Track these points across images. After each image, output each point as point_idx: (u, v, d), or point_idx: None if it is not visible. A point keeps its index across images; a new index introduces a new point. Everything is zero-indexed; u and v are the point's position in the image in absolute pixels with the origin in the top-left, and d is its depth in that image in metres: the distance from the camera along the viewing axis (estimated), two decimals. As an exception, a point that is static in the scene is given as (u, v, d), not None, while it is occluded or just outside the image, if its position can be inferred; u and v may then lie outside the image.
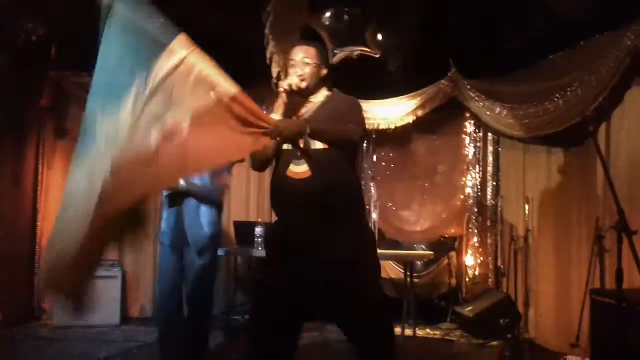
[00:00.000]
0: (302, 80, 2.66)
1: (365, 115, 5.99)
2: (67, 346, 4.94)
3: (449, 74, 5.57)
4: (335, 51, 5.04)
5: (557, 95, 4.61)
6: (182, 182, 3.57)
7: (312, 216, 2.54)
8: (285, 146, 2.58)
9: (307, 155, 2.54)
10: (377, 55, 4.98)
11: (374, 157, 6.65)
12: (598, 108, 4.34)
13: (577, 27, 4.42)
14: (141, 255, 6.30)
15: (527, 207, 5.33)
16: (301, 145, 2.53)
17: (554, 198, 5.10)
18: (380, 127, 6.04)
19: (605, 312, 3.79)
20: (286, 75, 2.79)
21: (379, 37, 4.93)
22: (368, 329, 2.59)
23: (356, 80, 5.83)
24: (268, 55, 4.97)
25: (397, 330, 5.29)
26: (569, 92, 4.52)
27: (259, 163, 2.71)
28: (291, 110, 2.67)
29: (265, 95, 6.32)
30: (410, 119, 5.72)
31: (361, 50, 4.97)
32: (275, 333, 2.56)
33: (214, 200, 3.73)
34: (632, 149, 4.28)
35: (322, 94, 2.78)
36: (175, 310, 3.70)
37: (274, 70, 5.00)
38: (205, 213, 3.69)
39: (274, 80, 5.06)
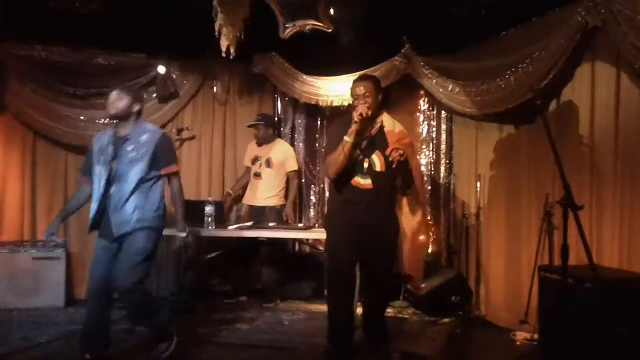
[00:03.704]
0: (368, 108, 3.59)
1: (319, 92, 5.99)
2: (8, 330, 4.77)
3: (402, 51, 5.50)
4: (286, 25, 4.89)
5: (509, 72, 4.58)
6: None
7: (367, 211, 3.75)
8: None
9: (372, 173, 3.73)
10: (330, 30, 4.85)
11: (328, 135, 6.58)
12: (549, 84, 4.33)
13: (529, 2, 4.38)
14: (87, 236, 6.09)
15: (478, 184, 5.33)
16: (366, 166, 3.74)
17: (506, 175, 5.11)
18: (334, 104, 5.96)
19: (553, 288, 3.83)
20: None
21: (332, 11, 4.79)
22: (386, 274, 4.00)
23: (308, 56, 5.79)
24: (217, 28, 4.79)
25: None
26: (520, 69, 4.48)
27: (340, 175, 3.74)
28: (362, 133, 3.68)
29: (213, 68, 6.23)
30: (363, 96, 5.62)
31: (313, 24, 4.83)
32: (346, 265, 3.87)
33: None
34: (581, 126, 4.29)
35: (380, 119, 3.79)
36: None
37: (223, 43, 4.83)
38: (134, 201, 3.71)
39: (224, 54, 4.90)
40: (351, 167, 3.70)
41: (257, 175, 5.91)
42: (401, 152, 3.62)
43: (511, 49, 4.67)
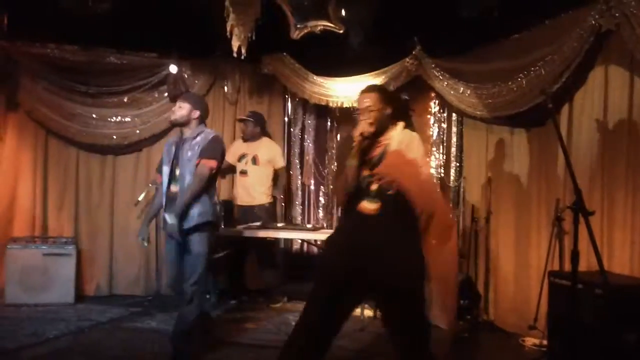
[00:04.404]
0: (371, 125, 3.07)
1: (329, 92, 5.98)
2: (18, 325, 4.82)
3: (413, 52, 5.49)
4: (297, 25, 4.88)
5: (521, 75, 4.55)
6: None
7: (373, 241, 3.06)
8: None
9: (382, 196, 3.06)
10: (341, 31, 4.84)
11: (337, 136, 6.58)
12: (561, 88, 4.29)
13: (542, 4, 4.35)
14: (97, 233, 6.16)
15: (488, 188, 5.29)
16: (374, 187, 3.07)
17: (516, 179, 5.07)
18: (344, 106, 5.96)
19: (563, 294, 3.79)
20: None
21: (343, 12, 4.79)
22: (408, 316, 3.05)
23: (319, 57, 5.79)
24: (228, 28, 4.80)
25: (357, 311, 5.26)
26: (532, 72, 4.45)
27: (342, 200, 3.24)
28: (366, 153, 3.12)
29: (224, 68, 6.25)
30: (374, 98, 5.61)
31: (324, 25, 4.82)
32: (331, 297, 3.06)
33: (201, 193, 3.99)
34: (592, 129, 4.25)
35: (390, 135, 3.16)
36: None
37: (235, 43, 4.83)
38: (195, 204, 3.95)
39: (235, 54, 4.91)
40: (358, 190, 3.14)
41: (243, 172, 5.93)
42: (388, 179, 3.03)
43: (523, 51, 4.63)
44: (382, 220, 3.08)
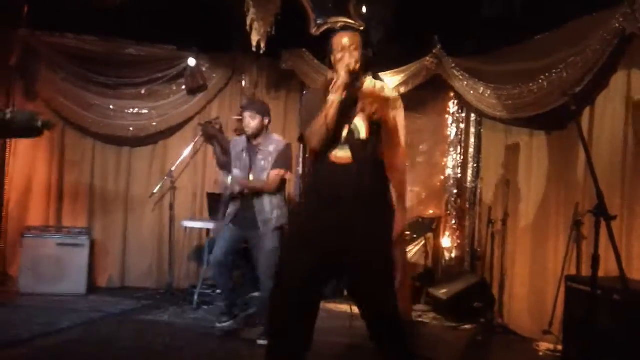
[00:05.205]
0: (356, 63, 2.79)
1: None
2: (31, 314, 4.82)
3: (433, 51, 5.45)
4: (317, 22, 4.87)
5: (542, 76, 4.50)
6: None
7: (349, 195, 2.79)
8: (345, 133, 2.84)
9: (353, 143, 2.83)
10: (361, 28, 4.81)
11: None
12: (583, 91, 4.23)
13: (565, 6, 4.29)
14: (111, 225, 6.17)
15: (506, 190, 5.24)
16: (344, 134, 2.82)
17: (534, 182, 5.01)
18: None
19: (580, 299, 3.74)
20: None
21: (364, 9, 4.77)
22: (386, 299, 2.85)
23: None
24: (248, 22, 4.80)
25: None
26: (554, 74, 4.40)
27: (320, 142, 2.85)
28: (349, 93, 2.81)
29: (242, 62, 6.24)
30: (392, 96, 5.58)
31: (344, 21, 4.80)
32: (303, 284, 2.81)
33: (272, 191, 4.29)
34: (614, 134, 4.18)
35: (362, 82, 2.91)
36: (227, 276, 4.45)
37: (254, 38, 4.83)
38: (269, 200, 4.27)
39: (254, 49, 4.91)
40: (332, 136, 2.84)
41: None
42: (377, 106, 2.75)
43: (545, 52, 4.58)
44: (354, 169, 2.83)
